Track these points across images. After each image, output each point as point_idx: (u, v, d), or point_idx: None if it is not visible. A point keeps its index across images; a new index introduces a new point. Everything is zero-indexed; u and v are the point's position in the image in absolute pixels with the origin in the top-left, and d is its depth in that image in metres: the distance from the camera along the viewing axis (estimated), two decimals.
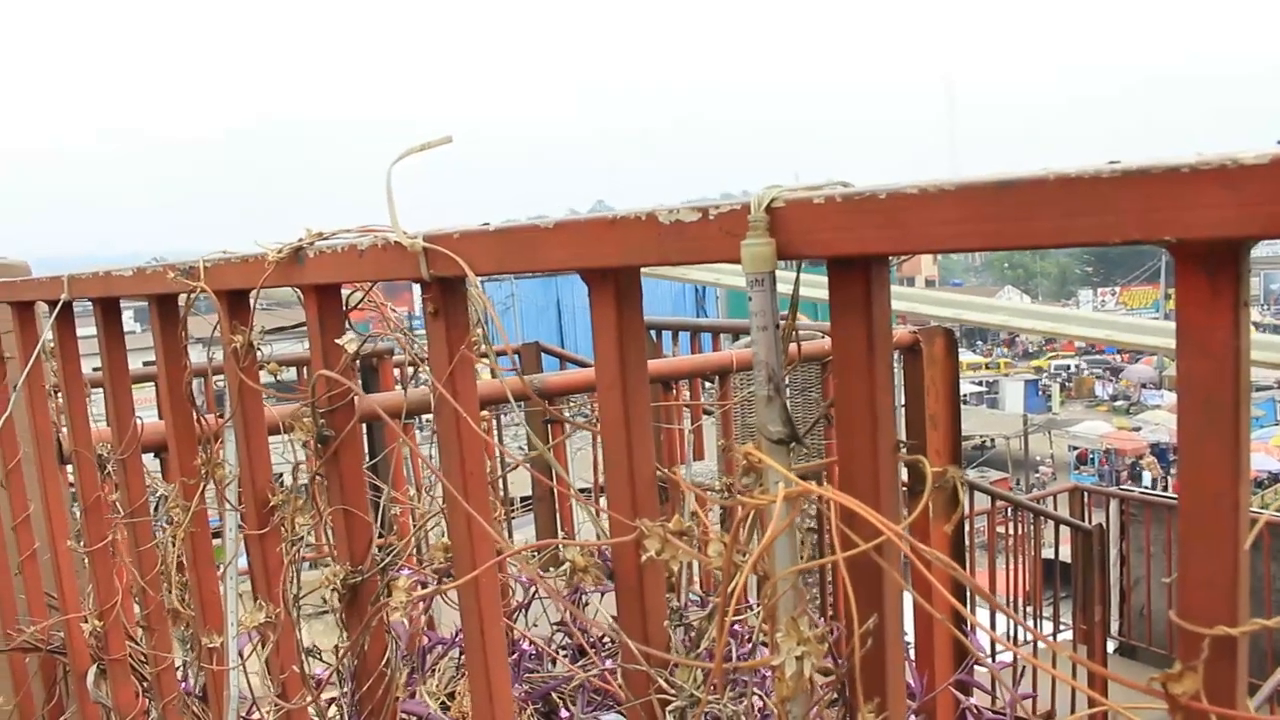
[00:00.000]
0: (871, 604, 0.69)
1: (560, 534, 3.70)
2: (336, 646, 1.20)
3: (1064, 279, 76.96)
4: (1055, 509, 7.31)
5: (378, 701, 1.20)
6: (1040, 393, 43.19)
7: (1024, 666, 2.86)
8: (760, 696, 1.12)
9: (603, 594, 2.60)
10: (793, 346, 0.74)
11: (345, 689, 1.32)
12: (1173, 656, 0.58)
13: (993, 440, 33.03)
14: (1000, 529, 6.90)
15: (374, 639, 1.18)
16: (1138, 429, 33.80)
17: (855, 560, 0.67)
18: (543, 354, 5.61)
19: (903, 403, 3.01)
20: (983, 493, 6.40)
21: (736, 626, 1.58)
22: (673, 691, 0.78)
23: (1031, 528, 7.01)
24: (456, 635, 2.28)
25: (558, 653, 2.52)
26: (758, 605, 0.76)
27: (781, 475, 0.66)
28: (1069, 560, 6.52)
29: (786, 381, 0.72)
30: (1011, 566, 7.00)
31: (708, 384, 3.70)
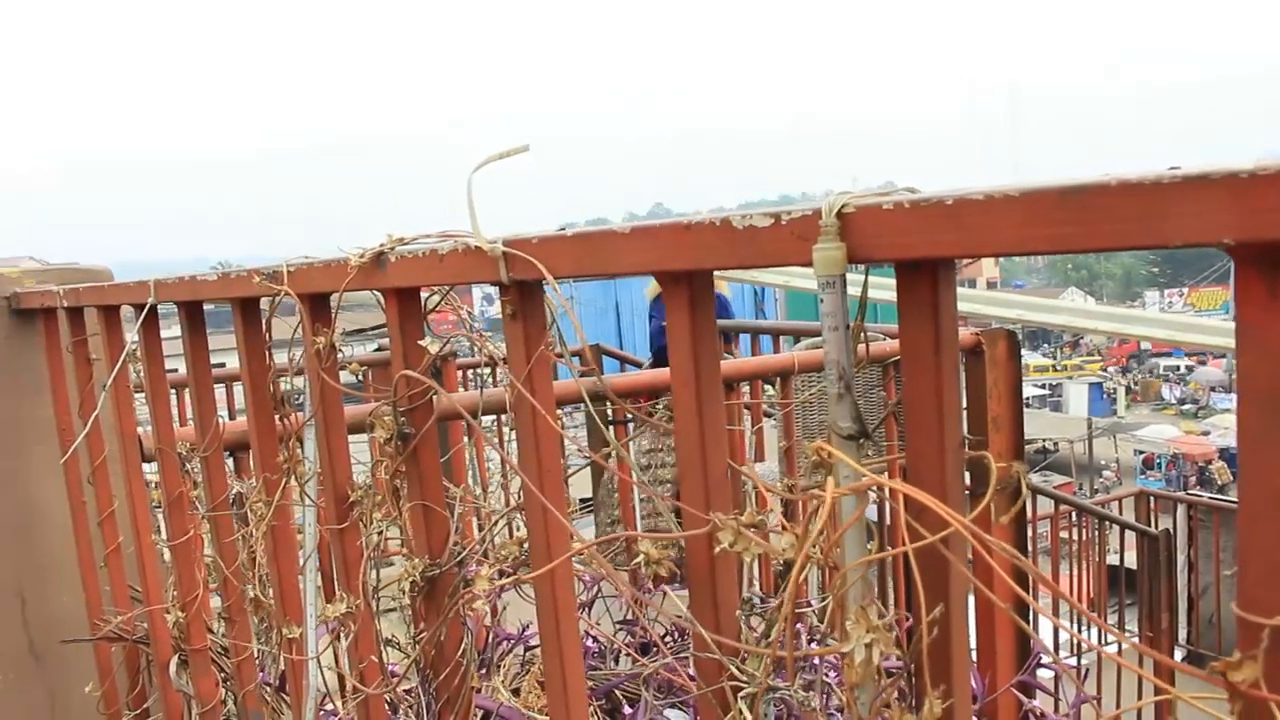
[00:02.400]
0: (938, 595, 0.71)
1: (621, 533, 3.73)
2: (414, 636, 1.25)
3: (1129, 280, 75.55)
4: (1120, 514, 7.20)
5: (454, 690, 1.24)
6: (1105, 396, 42.40)
7: (1086, 670, 2.84)
8: (829, 686, 1.15)
9: (665, 594, 2.64)
10: (861, 347, 0.77)
11: (419, 679, 1.36)
12: None
13: (1056, 444, 32.52)
14: (1064, 534, 6.81)
15: (450, 630, 1.23)
16: (1206, 433, 33.07)
17: (921, 553, 0.70)
18: (603, 356, 5.67)
19: (965, 405, 3.00)
20: (1046, 497, 6.33)
21: (799, 624, 1.61)
22: (744, 679, 0.81)
23: (1096, 533, 6.91)
24: (524, 631, 2.33)
25: (622, 649, 2.56)
26: (820, 601, 0.79)
27: (852, 469, 0.69)
28: (1135, 567, 6.42)
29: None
30: (1075, 572, 6.91)
31: (768, 386, 3.72)
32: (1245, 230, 0.53)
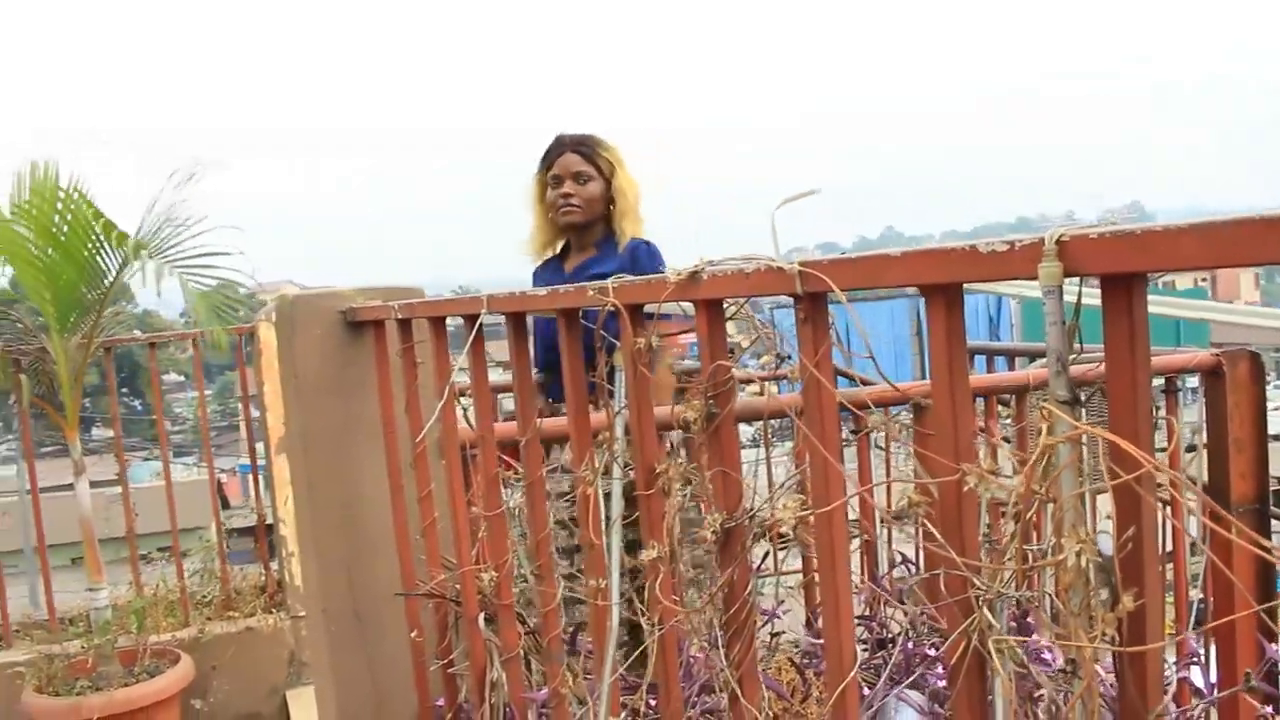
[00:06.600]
0: (1131, 519, 0.97)
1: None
2: (712, 575, 1.58)
3: None
4: None
5: (741, 623, 1.56)
6: None
7: None
8: (1048, 596, 1.40)
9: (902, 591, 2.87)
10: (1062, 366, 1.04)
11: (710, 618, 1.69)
12: None
13: None
14: None
15: (740, 572, 1.55)
16: None
17: (1119, 489, 0.96)
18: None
19: (1205, 428, 3.04)
20: None
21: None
22: (983, 588, 1.09)
23: None
24: (775, 608, 2.64)
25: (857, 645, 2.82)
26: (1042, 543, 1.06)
27: (1068, 423, 0.96)
28: None
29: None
30: None
31: (1002, 407, 3.86)
32: None
